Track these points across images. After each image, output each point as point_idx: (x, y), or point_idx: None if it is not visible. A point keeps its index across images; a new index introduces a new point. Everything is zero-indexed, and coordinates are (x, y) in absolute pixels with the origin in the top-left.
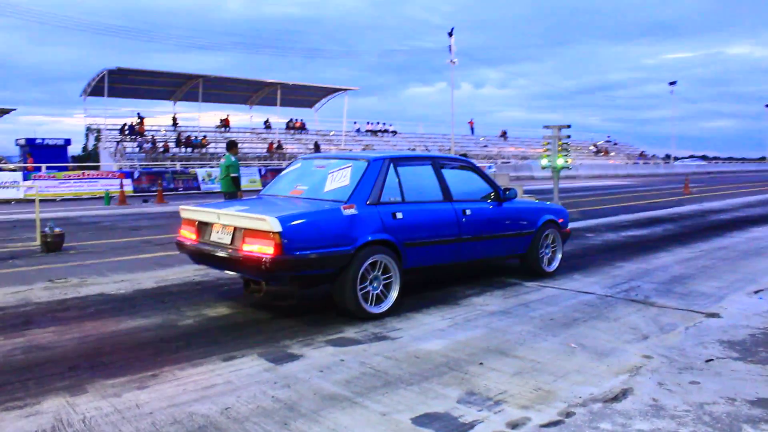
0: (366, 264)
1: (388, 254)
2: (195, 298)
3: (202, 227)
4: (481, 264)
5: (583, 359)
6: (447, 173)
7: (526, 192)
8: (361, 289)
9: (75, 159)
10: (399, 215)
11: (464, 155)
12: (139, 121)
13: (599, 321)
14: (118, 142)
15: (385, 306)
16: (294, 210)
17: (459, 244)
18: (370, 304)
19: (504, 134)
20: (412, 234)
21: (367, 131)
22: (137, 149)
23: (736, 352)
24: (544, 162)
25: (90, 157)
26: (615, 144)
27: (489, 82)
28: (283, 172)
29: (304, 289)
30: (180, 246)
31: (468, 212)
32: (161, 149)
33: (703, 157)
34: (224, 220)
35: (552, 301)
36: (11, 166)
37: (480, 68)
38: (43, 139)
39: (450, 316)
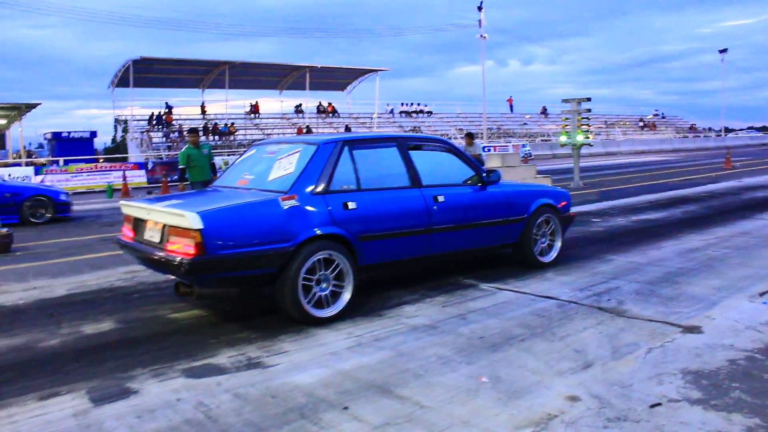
0: (310, 262)
1: (338, 250)
2: (90, 309)
3: (138, 224)
4: (463, 256)
5: (485, 401)
6: (417, 156)
7: (541, 172)
8: (307, 291)
9: (106, 151)
10: (352, 205)
11: (470, 134)
12: (167, 110)
13: (540, 340)
14: (142, 133)
15: (335, 309)
16: (222, 203)
17: (430, 235)
18: (318, 307)
19: (544, 111)
20: (368, 226)
21: (401, 113)
22: (164, 139)
23: (700, 391)
24: (563, 139)
25: (119, 148)
26: (663, 118)
27: (537, 58)
28: (237, 160)
29: (247, 291)
30: (120, 245)
31: (441, 199)
32: (187, 138)
33: (762, 129)
34: (154, 217)
35: (498, 310)
36: (42, 160)
37: (528, 44)
38: (69, 133)
39: (360, 332)
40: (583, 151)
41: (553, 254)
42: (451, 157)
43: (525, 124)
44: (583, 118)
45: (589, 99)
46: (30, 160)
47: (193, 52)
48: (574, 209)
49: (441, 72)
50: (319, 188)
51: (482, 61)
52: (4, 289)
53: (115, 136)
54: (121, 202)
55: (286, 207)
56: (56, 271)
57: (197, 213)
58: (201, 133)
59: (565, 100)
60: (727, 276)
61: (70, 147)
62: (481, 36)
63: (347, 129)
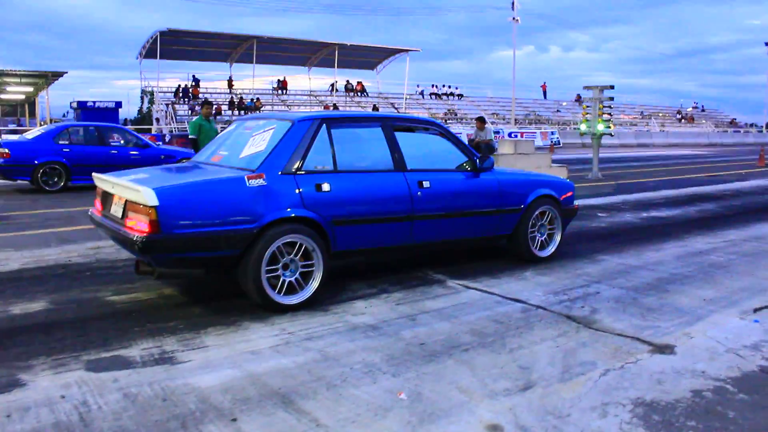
0: (275, 246)
1: (307, 234)
2: (32, 287)
3: (106, 198)
4: (450, 246)
5: (392, 423)
6: (403, 138)
7: (556, 161)
8: (271, 276)
9: (132, 122)
10: (325, 187)
11: (481, 118)
12: (194, 83)
13: (486, 352)
14: (167, 105)
15: (301, 297)
16: (183, 180)
17: (412, 222)
18: (282, 293)
19: (579, 99)
20: (342, 210)
21: (431, 95)
22: (189, 112)
23: (646, 429)
24: (583, 128)
25: (144, 119)
26: (703, 111)
27: (578, 45)
28: (218, 136)
29: (209, 273)
30: (91, 219)
31: (426, 184)
32: (213, 112)
33: None
34: (117, 191)
35: (455, 312)
36: None
37: (569, 31)
38: (94, 102)
39: (294, 329)
40: (613, 141)
41: (552, 248)
42: (442, 141)
43: (558, 111)
44: (605, 106)
45: (612, 87)
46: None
47: (229, 27)
48: (584, 201)
49: (480, 55)
50: (291, 168)
51: (513, 45)
52: None
53: (141, 107)
54: (94, 174)
55: (251, 186)
56: (23, 244)
57: (153, 189)
58: (227, 107)
59: (587, 87)
60: (723, 286)
61: (95, 116)
62: (513, 19)
63: (375, 109)
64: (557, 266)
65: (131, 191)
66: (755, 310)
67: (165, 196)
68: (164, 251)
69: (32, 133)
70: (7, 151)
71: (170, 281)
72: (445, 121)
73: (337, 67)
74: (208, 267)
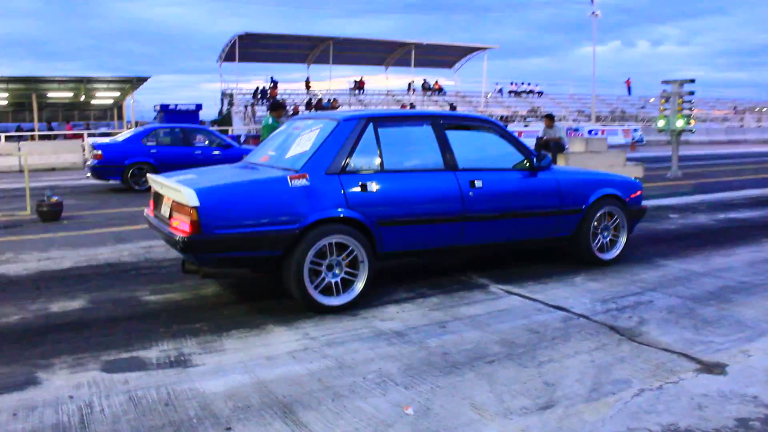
0: (318, 246)
1: (352, 235)
2: (76, 285)
3: (158, 198)
4: (505, 248)
5: None
6: (455, 136)
7: (630, 159)
8: (315, 277)
9: (212, 123)
10: (372, 187)
11: (550, 116)
12: (272, 84)
13: (511, 364)
14: (246, 106)
15: (346, 298)
16: (227, 180)
17: (463, 223)
18: (328, 294)
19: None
20: (389, 210)
21: (510, 92)
22: (267, 113)
23: None
24: (661, 123)
25: (224, 121)
26: None
27: (667, 39)
28: (270, 135)
29: (254, 273)
30: (146, 219)
31: (478, 184)
32: (290, 113)
33: None
34: (166, 192)
35: (489, 320)
36: None
37: (656, 25)
38: (176, 105)
39: (317, 334)
40: (701, 138)
41: (616, 251)
42: (496, 139)
43: (643, 107)
44: (684, 101)
45: (692, 80)
46: None
47: (312, 29)
48: (656, 202)
49: (564, 52)
50: (335, 168)
51: (594, 39)
52: (22, 257)
53: (221, 109)
54: (148, 175)
55: (294, 186)
56: (81, 243)
57: (194, 189)
58: (304, 108)
59: (665, 81)
60: None
61: (177, 118)
62: (593, 14)
63: (451, 107)
64: (612, 271)
65: (175, 192)
66: None
67: (206, 197)
68: (206, 251)
69: (122, 135)
70: (100, 152)
71: (216, 281)
72: (526, 119)
73: (414, 66)
74: (253, 267)
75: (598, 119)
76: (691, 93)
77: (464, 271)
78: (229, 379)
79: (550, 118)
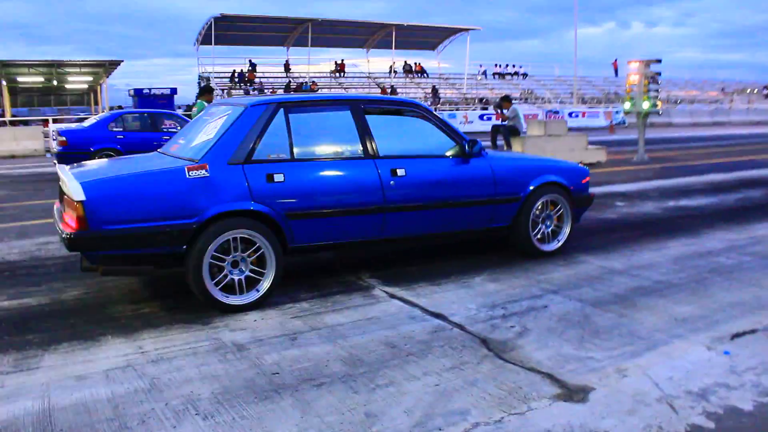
0: (218, 242)
1: (257, 229)
2: None
3: (61, 191)
4: (434, 240)
5: None
6: (377, 122)
7: (593, 143)
8: (217, 275)
9: (188, 107)
10: (278, 177)
11: (507, 97)
12: (250, 68)
13: (343, 388)
14: (223, 90)
15: (251, 297)
16: (118, 173)
17: (384, 214)
18: (230, 293)
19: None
20: (299, 202)
21: (494, 74)
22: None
23: None
24: (627, 106)
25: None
26: None
27: (662, 20)
28: (187, 124)
29: (157, 270)
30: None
31: (400, 172)
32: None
33: None
34: (62, 184)
35: (351, 330)
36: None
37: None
38: (150, 89)
39: (150, 348)
40: (684, 120)
41: (558, 242)
42: (424, 124)
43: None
44: (650, 83)
45: (659, 60)
46: None
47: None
48: (609, 188)
49: (559, 34)
50: (238, 157)
51: (575, 20)
52: None
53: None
54: (56, 165)
55: (192, 178)
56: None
57: (80, 183)
58: (283, 92)
59: (631, 62)
60: (712, 300)
61: (152, 103)
62: None
63: (434, 90)
64: (518, 269)
65: (66, 185)
66: (733, 337)
67: (92, 190)
68: (94, 249)
69: (89, 121)
70: (64, 139)
71: (116, 280)
72: (524, 100)
73: (396, 48)
74: (155, 264)
75: (583, 101)
76: (657, 74)
77: (357, 270)
78: (15, 406)
79: (506, 100)
